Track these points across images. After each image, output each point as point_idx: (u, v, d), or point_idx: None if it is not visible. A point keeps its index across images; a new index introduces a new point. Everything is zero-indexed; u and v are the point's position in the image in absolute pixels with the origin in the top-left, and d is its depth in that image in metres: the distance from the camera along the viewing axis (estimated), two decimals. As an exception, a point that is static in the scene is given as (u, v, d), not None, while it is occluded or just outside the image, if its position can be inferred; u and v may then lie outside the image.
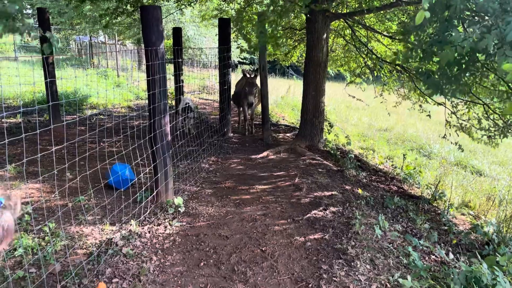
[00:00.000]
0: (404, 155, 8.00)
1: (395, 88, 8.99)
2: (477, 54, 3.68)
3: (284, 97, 14.19)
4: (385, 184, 6.50)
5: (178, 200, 4.33)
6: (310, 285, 3.18)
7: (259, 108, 9.13)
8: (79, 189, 4.63)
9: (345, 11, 7.27)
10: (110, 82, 14.98)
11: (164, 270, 3.33)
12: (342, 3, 7.22)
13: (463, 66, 3.80)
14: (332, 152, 7.00)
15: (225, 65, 7.03)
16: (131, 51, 22.24)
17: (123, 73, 17.62)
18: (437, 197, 6.04)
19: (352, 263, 3.47)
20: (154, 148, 4.17)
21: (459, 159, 11.08)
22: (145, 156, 4.61)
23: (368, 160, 8.30)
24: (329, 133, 8.22)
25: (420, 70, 3.68)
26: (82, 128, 8.01)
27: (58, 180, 4.98)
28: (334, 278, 3.26)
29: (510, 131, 4.78)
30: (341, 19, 6.81)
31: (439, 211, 5.55)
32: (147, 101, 4.33)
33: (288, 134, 8.46)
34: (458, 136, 7.11)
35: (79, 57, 22.76)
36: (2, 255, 3.21)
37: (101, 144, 6.57)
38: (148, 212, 4.17)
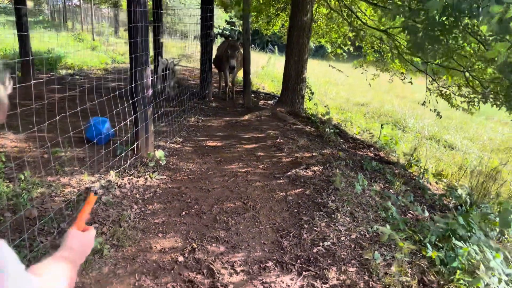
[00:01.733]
0: (381, 125, 8.12)
1: (374, 59, 9.03)
2: (461, 14, 3.72)
3: (265, 67, 14.06)
4: (363, 151, 6.59)
5: (159, 153, 4.27)
6: (291, 234, 3.22)
7: (240, 75, 9.04)
8: (57, 142, 4.49)
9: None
10: (85, 45, 14.46)
11: (145, 218, 3.30)
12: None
13: (446, 27, 3.83)
14: (312, 118, 7.02)
15: (207, 25, 6.87)
16: (107, 17, 21.50)
17: (99, 37, 17.03)
18: (412, 164, 6.18)
19: (333, 215, 3.52)
20: (136, 99, 4.06)
21: (432, 133, 11.36)
22: (126, 112, 4.48)
23: (346, 130, 8.39)
24: (310, 100, 8.23)
25: (407, 26, 3.69)
26: (58, 87, 7.73)
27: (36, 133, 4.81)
28: (315, 228, 3.31)
29: (489, 97, 4.89)
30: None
31: (414, 177, 5.68)
32: (128, 63, 4.18)
33: (269, 102, 8.42)
34: (437, 103, 7.26)
35: (51, 20, 21.84)
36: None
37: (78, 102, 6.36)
38: (128, 164, 4.10)
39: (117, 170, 3.93)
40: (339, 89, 16.98)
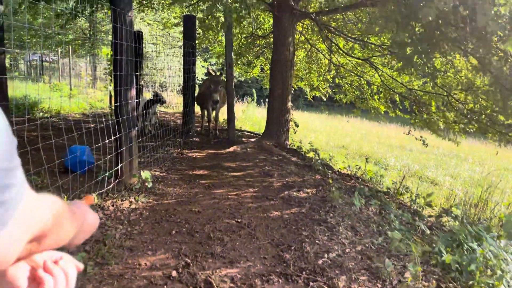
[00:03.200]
0: (366, 158, 8.08)
1: (354, 97, 9.17)
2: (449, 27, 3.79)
3: (245, 111, 14.16)
4: (351, 182, 6.47)
5: (146, 174, 4.01)
6: (292, 248, 2.97)
7: (222, 115, 8.98)
8: (33, 173, 4.19)
9: (312, 11, 7.41)
10: (63, 94, 14.29)
11: (132, 238, 3.01)
12: (308, 2, 7.37)
13: (434, 40, 3.89)
14: (298, 150, 6.92)
15: (189, 60, 6.86)
16: (85, 70, 21.54)
17: (76, 88, 16.93)
18: (403, 191, 6.08)
19: (334, 229, 3.31)
20: (120, 119, 3.87)
21: (415, 170, 11.44)
22: (107, 141, 4.24)
23: (331, 164, 8.31)
24: (295, 132, 8.17)
25: (395, 41, 3.72)
26: (33, 127, 7.45)
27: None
28: (317, 242, 3.08)
29: (475, 118, 4.93)
30: (308, 18, 6.92)
31: (406, 204, 5.56)
32: (109, 109, 4.04)
33: (252, 140, 8.32)
34: (421, 137, 7.32)
35: (27, 75, 21.71)
36: None
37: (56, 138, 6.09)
38: (110, 187, 3.82)
39: (99, 193, 3.65)
40: (317, 134, 17.19)
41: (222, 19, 6.72)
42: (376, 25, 4.33)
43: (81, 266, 0.85)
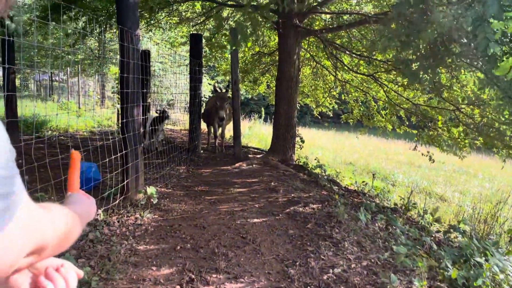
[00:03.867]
0: (373, 174, 8.04)
1: (361, 113, 9.19)
2: (453, 45, 3.81)
3: (251, 127, 14.21)
4: (358, 198, 6.43)
5: (151, 190, 4.02)
6: (297, 263, 2.95)
7: (228, 132, 9.02)
8: (39, 189, 4.23)
9: (316, 28, 7.49)
10: (71, 113, 14.47)
11: (137, 253, 3.01)
12: (313, 20, 7.46)
13: (439, 56, 3.91)
14: (305, 166, 6.91)
15: (196, 78, 6.95)
16: (94, 89, 21.85)
17: (84, 106, 17.15)
18: (410, 207, 6.02)
19: (339, 245, 3.28)
20: (126, 136, 3.92)
21: (423, 187, 11.33)
22: (113, 158, 4.28)
23: (338, 180, 8.27)
24: (301, 148, 8.17)
25: (399, 58, 3.75)
26: (41, 145, 7.54)
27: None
28: (322, 257, 3.05)
29: (484, 132, 4.90)
30: (313, 35, 6.99)
31: (414, 219, 5.51)
32: (116, 127, 4.10)
33: (258, 156, 8.33)
34: (428, 153, 7.29)
35: (37, 94, 22.05)
36: None
37: (63, 155, 6.16)
38: (116, 203, 3.84)
39: (105, 208, 3.67)
40: (324, 151, 17.16)
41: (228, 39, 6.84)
42: (379, 43, 4.36)
43: (81, 273, 0.86)
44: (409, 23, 3.76)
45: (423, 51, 3.75)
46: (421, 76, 3.93)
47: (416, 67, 3.89)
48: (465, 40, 3.64)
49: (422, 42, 3.64)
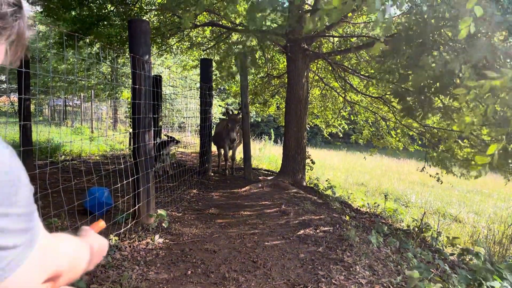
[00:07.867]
0: (385, 195, 7.97)
1: (371, 133, 9.17)
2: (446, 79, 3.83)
3: (262, 149, 14.24)
4: (370, 220, 6.37)
5: (162, 212, 4.05)
6: (308, 287, 2.93)
7: (239, 154, 9.08)
8: (53, 215, 4.29)
9: (325, 51, 7.59)
10: (84, 137, 14.71)
11: (148, 278, 3.02)
12: (321, 43, 7.57)
13: (433, 90, 3.93)
14: (315, 188, 6.89)
15: (206, 102, 7.05)
16: (107, 113, 22.20)
17: (97, 130, 17.41)
18: (423, 229, 5.94)
19: (351, 269, 3.25)
20: (138, 160, 3.97)
21: (436, 207, 11.17)
22: (125, 182, 4.34)
23: (349, 202, 8.21)
24: (311, 169, 8.16)
25: (396, 91, 3.78)
26: (54, 170, 7.65)
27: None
28: (333, 281, 3.02)
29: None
30: (321, 58, 7.08)
31: (427, 241, 5.43)
32: (128, 151, 4.19)
33: (269, 178, 8.33)
34: (436, 174, 7.21)
35: (51, 119, 22.48)
36: None
37: (76, 180, 6.25)
38: (128, 228, 3.87)
39: (117, 233, 3.70)
40: (335, 171, 17.07)
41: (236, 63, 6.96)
42: (378, 77, 4.41)
43: None
44: (408, 58, 3.81)
45: (420, 85, 3.78)
46: (416, 109, 3.95)
47: (412, 101, 3.92)
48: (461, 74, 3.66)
49: (415, 80, 3.67)
